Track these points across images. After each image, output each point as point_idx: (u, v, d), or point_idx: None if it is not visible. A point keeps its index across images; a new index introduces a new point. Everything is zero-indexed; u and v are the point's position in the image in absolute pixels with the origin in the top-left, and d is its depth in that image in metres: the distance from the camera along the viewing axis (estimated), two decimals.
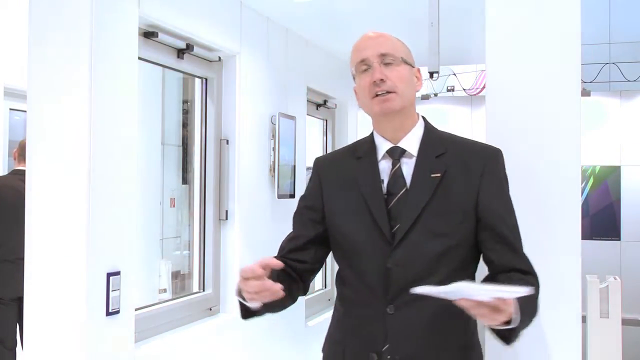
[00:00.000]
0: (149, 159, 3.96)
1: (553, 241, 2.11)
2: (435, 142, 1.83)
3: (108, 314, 2.52)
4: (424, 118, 1.90)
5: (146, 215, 3.87)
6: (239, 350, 3.60)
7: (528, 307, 1.60)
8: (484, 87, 5.05)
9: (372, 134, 1.90)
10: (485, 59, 2.23)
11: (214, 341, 3.39)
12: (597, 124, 8.20)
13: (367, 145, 1.88)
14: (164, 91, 4.12)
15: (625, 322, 4.13)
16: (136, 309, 2.81)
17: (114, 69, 2.58)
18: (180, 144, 4.20)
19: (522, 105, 2.18)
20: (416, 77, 1.86)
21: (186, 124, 4.00)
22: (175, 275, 4.10)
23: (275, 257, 1.88)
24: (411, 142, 1.83)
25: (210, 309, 3.55)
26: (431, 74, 3.12)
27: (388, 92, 1.78)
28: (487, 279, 1.79)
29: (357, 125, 5.58)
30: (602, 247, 8.23)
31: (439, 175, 1.77)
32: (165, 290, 3.94)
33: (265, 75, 3.92)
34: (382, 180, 1.80)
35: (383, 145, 1.84)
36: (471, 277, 1.82)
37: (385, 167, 1.82)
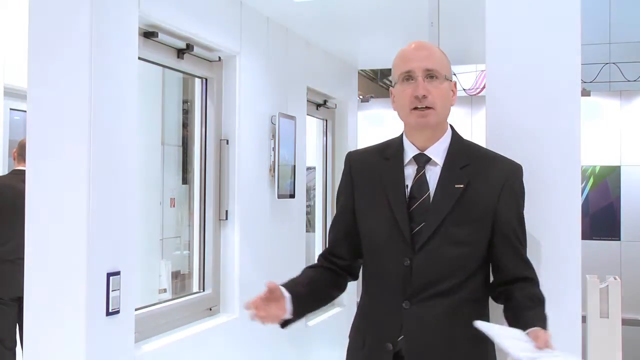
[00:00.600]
0: (149, 159, 3.96)
1: (553, 241, 2.11)
2: (461, 153, 1.91)
3: (108, 314, 2.52)
4: (452, 127, 1.96)
5: (146, 215, 3.87)
6: (239, 350, 3.60)
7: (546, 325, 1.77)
8: (484, 87, 5.04)
9: (401, 136, 1.96)
10: (485, 59, 2.23)
11: (214, 341, 3.40)
12: (597, 124, 8.19)
13: (395, 148, 1.95)
14: (164, 91, 4.12)
15: (625, 322, 4.13)
16: (136, 309, 2.81)
17: (114, 69, 2.58)
18: (180, 144, 4.20)
19: (522, 105, 2.18)
20: (452, 90, 1.93)
21: (186, 124, 4.00)
22: (175, 275, 4.10)
23: (320, 254, 2.08)
24: (437, 152, 1.90)
25: (210, 309, 3.55)
26: None
27: (427, 108, 1.85)
28: (494, 286, 1.93)
29: (357, 125, 5.59)
30: (602, 247, 8.22)
31: (462, 186, 1.85)
32: (165, 290, 3.95)
33: (265, 75, 3.92)
34: (407, 185, 1.88)
35: (410, 151, 1.92)
36: (484, 281, 1.92)
37: (410, 171, 1.90)
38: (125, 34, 2.67)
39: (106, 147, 2.52)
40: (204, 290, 3.58)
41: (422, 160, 1.90)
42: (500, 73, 2.22)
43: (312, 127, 5.16)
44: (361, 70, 7.49)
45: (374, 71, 12.20)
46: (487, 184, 1.86)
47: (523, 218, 1.92)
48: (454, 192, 1.84)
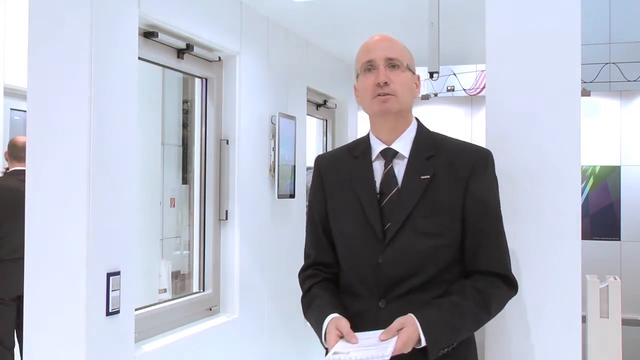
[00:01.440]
0: (149, 159, 3.96)
1: (553, 241, 2.10)
2: (426, 144, 1.89)
3: (108, 314, 2.52)
4: (417, 120, 1.95)
5: (146, 215, 3.87)
6: (239, 350, 3.60)
7: (441, 327, 1.72)
8: (484, 87, 5.05)
9: (368, 134, 1.96)
10: (485, 59, 2.23)
11: (214, 341, 3.40)
12: (597, 124, 8.20)
13: (363, 145, 1.95)
14: (164, 91, 4.12)
15: (625, 322, 4.13)
16: (136, 309, 2.81)
17: (114, 69, 2.58)
18: (180, 144, 4.20)
19: (522, 105, 2.18)
20: (415, 83, 1.93)
21: (186, 124, 4.00)
22: (175, 275, 4.11)
23: (307, 267, 2.01)
24: (403, 144, 1.89)
25: (210, 309, 3.55)
26: (431, 74, 3.13)
27: (388, 94, 1.84)
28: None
29: (357, 125, 5.59)
30: (602, 247, 8.23)
31: (428, 177, 1.83)
32: (165, 290, 3.95)
33: (265, 75, 3.92)
34: (375, 181, 1.87)
35: (377, 147, 1.91)
36: (457, 275, 1.86)
37: (378, 167, 1.89)
38: (125, 34, 2.67)
39: (106, 147, 2.52)
40: (204, 290, 3.58)
41: (389, 155, 1.89)
42: (500, 73, 2.22)
43: (312, 127, 5.17)
44: None
45: None
46: (454, 173, 1.84)
47: (497, 207, 1.87)
48: (420, 184, 1.82)
